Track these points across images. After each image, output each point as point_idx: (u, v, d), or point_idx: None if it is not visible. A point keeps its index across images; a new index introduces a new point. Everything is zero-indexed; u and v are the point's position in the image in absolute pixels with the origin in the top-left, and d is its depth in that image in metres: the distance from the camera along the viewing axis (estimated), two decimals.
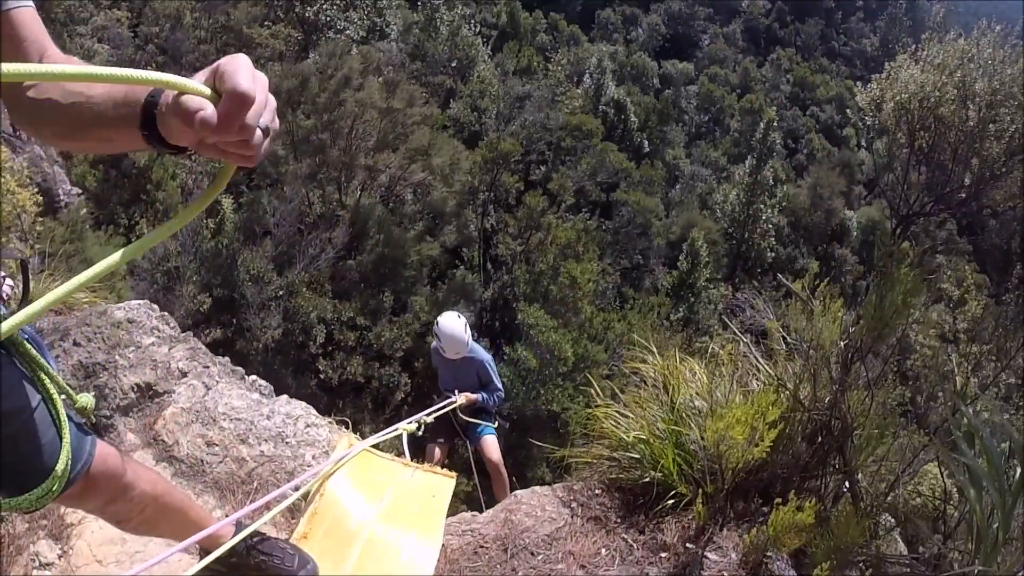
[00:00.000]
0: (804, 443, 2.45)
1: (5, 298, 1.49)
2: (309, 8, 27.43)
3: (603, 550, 2.38)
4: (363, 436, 3.04)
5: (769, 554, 2.17)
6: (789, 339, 2.67)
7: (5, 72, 0.75)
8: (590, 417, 2.85)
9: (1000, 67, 13.28)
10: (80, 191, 14.14)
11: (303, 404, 3.28)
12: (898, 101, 13.78)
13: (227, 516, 2.23)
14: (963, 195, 14.99)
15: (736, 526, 2.39)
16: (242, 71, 0.86)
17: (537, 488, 2.77)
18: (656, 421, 2.62)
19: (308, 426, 3.10)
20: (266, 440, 2.99)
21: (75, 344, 3.34)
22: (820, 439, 2.43)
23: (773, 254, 35.29)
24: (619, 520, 2.51)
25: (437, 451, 4.65)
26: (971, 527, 1.97)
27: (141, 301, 3.85)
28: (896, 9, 77.68)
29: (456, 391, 4.65)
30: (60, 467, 1.38)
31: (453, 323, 4.65)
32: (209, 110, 0.84)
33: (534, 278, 21.61)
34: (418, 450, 4.44)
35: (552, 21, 57.39)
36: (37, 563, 2.47)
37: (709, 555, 2.27)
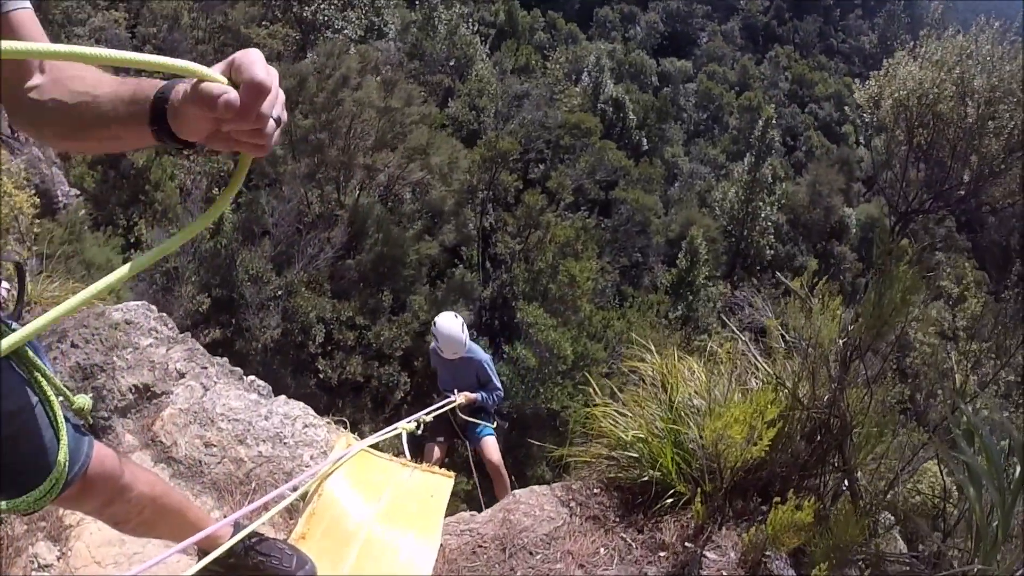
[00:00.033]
0: (803, 441, 2.45)
1: (1, 302, 1.48)
2: (307, 8, 27.39)
3: (602, 549, 2.38)
4: (362, 436, 3.04)
5: (768, 553, 2.17)
6: (788, 337, 2.66)
7: (51, 51, 0.77)
8: (589, 416, 2.85)
9: (999, 63, 13.25)
10: (79, 192, 14.11)
11: (301, 404, 3.27)
12: (896, 98, 13.75)
13: (225, 517, 2.23)
14: (962, 192, 14.96)
15: (735, 525, 2.38)
16: (258, 63, 0.90)
17: (535, 487, 2.77)
18: (655, 420, 2.61)
19: (306, 426, 3.10)
20: (264, 441, 2.98)
21: (73, 346, 3.34)
22: (819, 437, 2.42)
23: (772, 252, 35.29)
24: (618, 519, 2.50)
25: (436, 450, 4.66)
26: (970, 525, 1.97)
27: (139, 302, 3.84)
28: (894, 6, 77.61)
29: (455, 391, 4.65)
30: (58, 469, 1.38)
31: (450, 323, 4.65)
32: (233, 93, 0.88)
33: (533, 276, 21.61)
34: (417, 449, 4.45)
35: (550, 19, 57.36)
36: (36, 564, 2.47)
37: (708, 554, 2.26)
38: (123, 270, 0.90)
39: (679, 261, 29.39)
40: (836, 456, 2.40)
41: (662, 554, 2.32)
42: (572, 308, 20.15)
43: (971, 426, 1.94)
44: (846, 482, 2.39)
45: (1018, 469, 1.80)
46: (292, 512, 2.63)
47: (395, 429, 3.16)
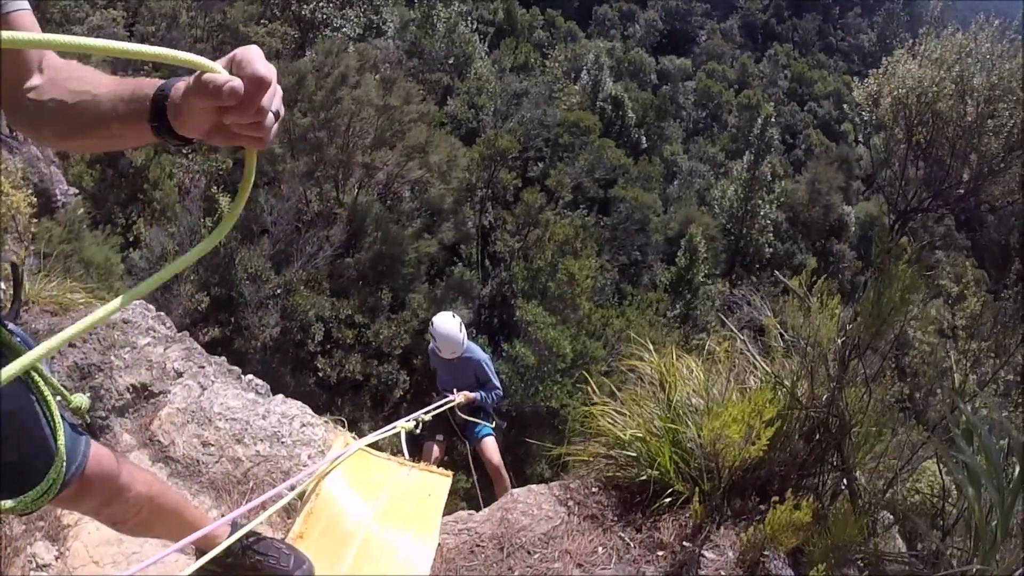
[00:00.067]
0: (802, 441, 2.44)
1: None
2: (305, 6, 27.37)
3: (600, 548, 2.38)
4: (361, 434, 3.04)
5: (766, 553, 2.16)
6: (786, 336, 2.66)
7: (63, 43, 0.78)
8: (587, 415, 2.84)
9: (999, 62, 13.23)
10: (77, 191, 14.08)
11: (299, 403, 3.27)
12: (896, 96, 13.74)
13: (223, 516, 2.22)
14: (961, 191, 14.95)
15: (733, 524, 2.38)
16: (258, 59, 0.94)
17: (534, 486, 2.76)
18: (653, 419, 2.61)
19: (304, 425, 3.09)
20: (262, 440, 2.98)
21: (70, 345, 3.33)
22: (818, 436, 2.42)
23: (771, 250, 35.28)
24: (616, 518, 2.50)
25: (436, 449, 4.67)
26: (969, 525, 1.96)
27: (137, 301, 3.83)
28: (893, 4, 77.57)
29: (455, 390, 4.66)
30: (55, 469, 1.38)
31: (448, 323, 4.67)
32: (237, 81, 0.91)
33: (532, 275, 21.61)
34: (417, 448, 4.45)
35: (549, 17, 57.27)
36: (34, 564, 2.46)
37: (706, 553, 2.26)
38: (153, 280, 0.97)
39: (678, 259, 29.39)
40: (835, 455, 2.39)
41: (660, 553, 2.32)
42: (571, 306, 20.15)
43: (970, 425, 1.94)
44: (845, 481, 2.39)
45: (1017, 469, 1.80)
46: (290, 511, 2.62)
47: (394, 428, 3.16)
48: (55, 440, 1.39)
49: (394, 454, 2.94)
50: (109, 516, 1.73)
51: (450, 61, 32.10)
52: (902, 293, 2.19)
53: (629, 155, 35.83)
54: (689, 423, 2.45)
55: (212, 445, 2.94)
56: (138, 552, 2.48)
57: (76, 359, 3.28)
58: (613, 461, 2.67)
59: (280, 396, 3.34)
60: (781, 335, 2.72)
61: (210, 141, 1.03)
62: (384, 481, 2.64)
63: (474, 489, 4.71)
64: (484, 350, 5.18)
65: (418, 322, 18.39)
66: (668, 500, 2.43)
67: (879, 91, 14.20)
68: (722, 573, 2.21)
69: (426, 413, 3.79)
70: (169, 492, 1.95)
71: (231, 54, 0.96)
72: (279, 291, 17.19)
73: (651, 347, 2.91)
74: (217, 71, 0.93)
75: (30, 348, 1.37)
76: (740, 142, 46.03)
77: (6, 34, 0.77)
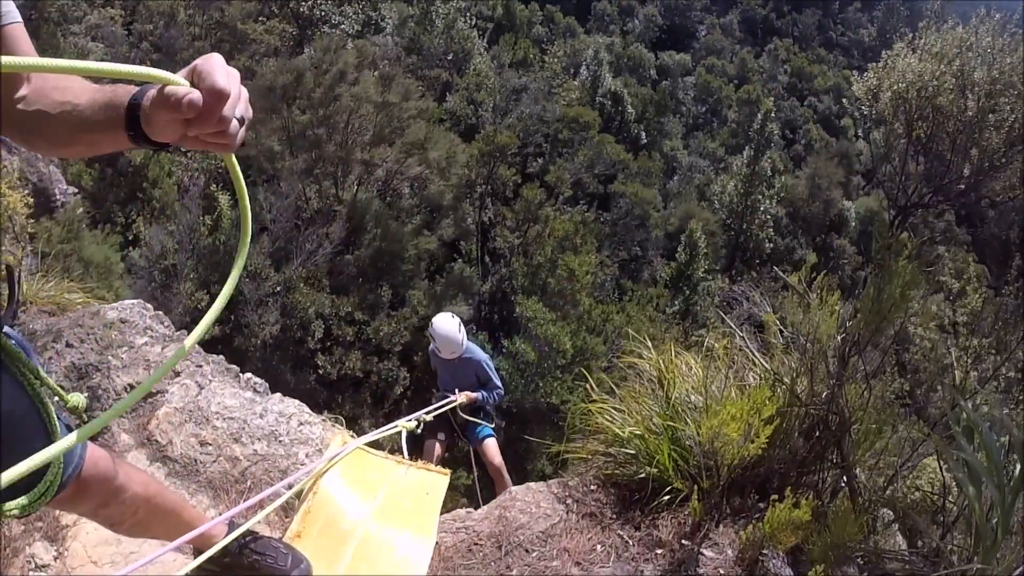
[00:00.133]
0: (801, 438, 2.43)
1: None
2: (304, 3, 27.31)
3: (598, 547, 2.37)
4: (361, 431, 3.03)
5: (765, 551, 2.15)
6: (786, 332, 2.65)
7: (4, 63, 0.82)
8: (586, 412, 2.83)
9: (999, 56, 13.18)
10: (76, 190, 14.06)
11: (296, 402, 3.26)
12: (895, 91, 13.69)
13: (220, 516, 2.22)
14: (962, 186, 14.91)
15: (732, 522, 2.37)
16: (217, 69, 0.96)
17: (532, 484, 2.75)
18: (652, 416, 2.60)
19: (301, 424, 3.08)
20: (259, 439, 2.97)
21: (68, 345, 3.32)
22: (817, 434, 2.41)
23: (771, 245, 35.26)
24: (614, 516, 2.49)
25: (437, 447, 4.67)
26: (970, 523, 1.95)
27: (135, 301, 3.83)
28: None
29: (456, 390, 4.66)
30: (52, 471, 1.38)
31: (447, 324, 4.67)
32: (195, 93, 0.94)
33: (532, 271, 21.61)
34: (417, 447, 4.46)
35: (548, 13, 57.12)
36: (33, 565, 2.46)
37: (705, 552, 2.25)
38: (192, 338, 1.08)
39: (678, 255, 29.38)
40: (834, 452, 2.38)
41: (659, 551, 2.31)
42: (571, 302, 20.15)
43: (971, 423, 1.92)
44: (844, 479, 2.38)
45: (1018, 467, 1.79)
46: (287, 510, 2.61)
47: (395, 427, 3.16)
48: (52, 442, 1.39)
49: (392, 452, 2.93)
50: (107, 517, 1.73)
51: (449, 57, 32.05)
52: (902, 289, 2.18)
53: (629, 151, 35.79)
54: (688, 420, 2.44)
55: (210, 444, 2.93)
56: (136, 552, 2.47)
57: (73, 359, 3.27)
58: (612, 459, 2.66)
59: (278, 395, 3.33)
60: (781, 331, 2.70)
61: (183, 146, 1.05)
62: (382, 480, 2.63)
63: (475, 486, 4.72)
64: (484, 349, 5.19)
65: (418, 319, 18.40)
66: (667, 498, 2.43)
67: (879, 85, 14.16)
68: (721, 571, 2.20)
69: (427, 413, 3.80)
70: (166, 492, 1.95)
71: (192, 64, 0.98)
72: (279, 288, 17.19)
73: (650, 344, 2.90)
74: (178, 83, 0.95)
75: (26, 351, 1.37)
76: (740, 137, 45.99)
77: None
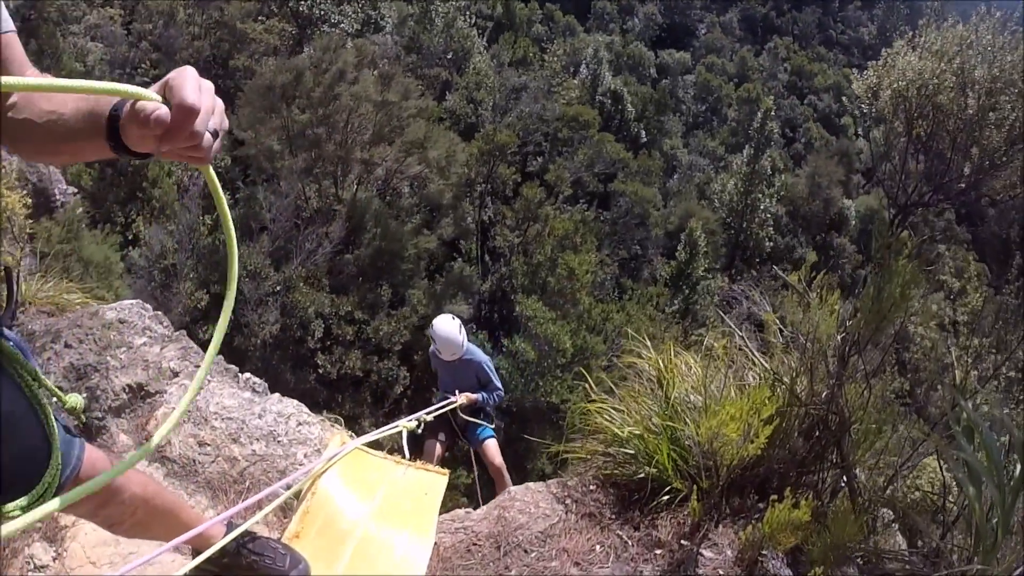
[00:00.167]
0: (801, 438, 2.43)
1: None
2: (303, 2, 27.29)
3: (597, 547, 2.36)
4: (361, 430, 3.03)
5: (765, 552, 2.15)
6: (786, 331, 2.64)
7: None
8: (585, 412, 2.83)
9: (1000, 54, 13.15)
10: (76, 190, 14.05)
11: (294, 402, 3.26)
12: (895, 89, 13.67)
13: (219, 516, 2.21)
14: (962, 184, 14.89)
15: (732, 523, 2.36)
16: (188, 84, 0.96)
17: (531, 484, 2.75)
18: (651, 416, 2.59)
19: (300, 424, 3.08)
20: (258, 439, 2.96)
21: (66, 346, 3.31)
22: (817, 434, 2.40)
23: (771, 244, 35.26)
24: (614, 516, 2.49)
25: (437, 447, 4.67)
26: (970, 524, 1.95)
27: (133, 301, 3.82)
28: None
29: (456, 391, 4.67)
30: (50, 473, 1.38)
31: (447, 326, 4.68)
32: (163, 109, 0.95)
33: (532, 270, 21.60)
34: (418, 447, 4.46)
35: (548, 12, 57.01)
36: (32, 565, 2.46)
37: (704, 552, 2.24)
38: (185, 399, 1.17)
39: (678, 253, 29.37)
40: (834, 452, 2.38)
41: (658, 552, 2.31)
42: (571, 301, 20.15)
43: (971, 422, 1.92)
44: (844, 478, 2.37)
45: (1018, 467, 1.78)
46: (286, 510, 2.61)
47: (396, 427, 3.16)
48: (49, 444, 1.39)
49: (391, 452, 2.93)
50: (105, 518, 1.74)
51: (448, 56, 32.03)
52: (902, 288, 2.17)
53: (629, 149, 35.77)
54: (687, 420, 2.43)
55: (208, 445, 2.92)
56: (135, 553, 2.47)
57: (72, 360, 3.26)
58: (611, 459, 2.66)
59: (276, 395, 3.32)
60: (780, 331, 2.70)
61: (162, 157, 1.06)
62: (381, 480, 2.63)
63: (475, 485, 4.73)
64: (484, 348, 5.20)
65: (418, 318, 18.39)
66: (666, 498, 2.42)
67: (878, 83, 14.14)
68: (720, 572, 2.20)
69: (428, 414, 3.81)
70: (165, 493, 1.95)
71: (165, 79, 0.98)
72: (278, 288, 17.18)
73: (649, 343, 2.89)
74: (149, 98, 0.96)
75: (24, 353, 1.37)
76: (740, 136, 45.95)
77: None
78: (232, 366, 3.66)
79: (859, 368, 2.36)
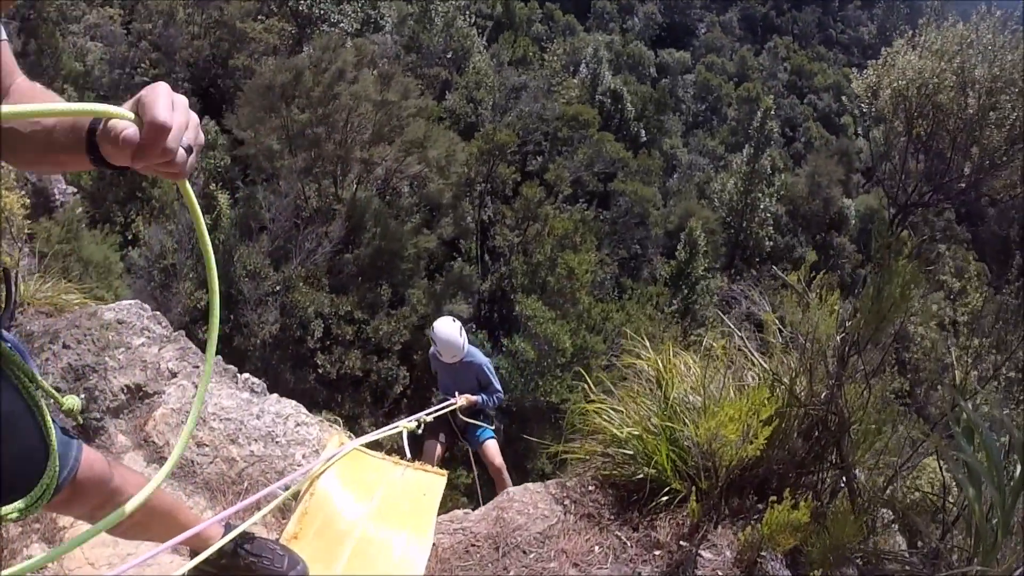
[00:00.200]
0: (800, 439, 2.42)
1: None
2: (302, 2, 27.27)
3: (596, 548, 2.36)
4: (362, 429, 3.03)
5: (764, 553, 2.14)
6: (785, 331, 2.63)
7: None
8: (584, 412, 2.82)
9: (1000, 53, 13.14)
10: (75, 190, 14.07)
11: (293, 403, 3.25)
12: (895, 88, 13.66)
13: (216, 516, 2.21)
14: (962, 184, 14.88)
15: (731, 523, 2.35)
16: (160, 101, 0.96)
17: (529, 485, 2.74)
18: (650, 416, 2.58)
19: (298, 425, 3.07)
20: (256, 440, 2.96)
21: (65, 347, 3.31)
22: (816, 434, 2.40)
23: (771, 243, 35.26)
24: (612, 517, 2.48)
25: (437, 448, 4.68)
26: (969, 524, 1.94)
27: (131, 301, 3.81)
28: None
29: (456, 393, 4.67)
30: (48, 474, 1.37)
31: (448, 328, 4.68)
32: (132, 129, 0.95)
33: (532, 269, 21.60)
34: (417, 447, 4.46)
35: (547, 11, 56.99)
36: None
37: (703, 553, 2.24)
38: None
39: (678, 253, 29.36)
40: (834, 453, 2.37)
41: (657, 553, 2.30)
42: (571, 300, 20.15)
43: (971, 423, 1.91)
44: (844, 479, 2.37)
45: (1018, 467, 1.77)
46: (284, 511, 2.61)
47: (395, 427, 3.16)
48: (47, 445, 1.38)
49: (389, 453, 2.92)
50: None
51: (448, 55, 32.02)
52: (902, 288, 2.17)
53: (628, 149, 35.76)
54: (686, 421, 2.42)
55: (206, 445, 2.92)
56: (133, 553, 2.46)
57: (70, 360, 3.25)
58: (610, 459, 2.65)
59: (275, 395, 3.32)
60: (780, 330, 2.69)
61: (138, 171, 1.05)
62: (379, 480, 2.62)
63: (475, 485, 4.73)
64: (484, 349, 5.20)
65: (417, 318, 18.39)
66: (665, 499, 2.41)
67: (878, 83, 14.13)
68: (719, 573, 2.19)
69: (428, 414, 3.81)
70: (162, 494, 1.94)
71: (137, 95, 0.98)
72: (278, 288, 17.19)
73: (648, 343, 2.88)
74: (120, 117, 0.96)
75: (22, 354, 1.36)
76: (740, 135, 45.93)
77: None
78: (231, 366, 3.65)
79: (859, 368, 2.35)
